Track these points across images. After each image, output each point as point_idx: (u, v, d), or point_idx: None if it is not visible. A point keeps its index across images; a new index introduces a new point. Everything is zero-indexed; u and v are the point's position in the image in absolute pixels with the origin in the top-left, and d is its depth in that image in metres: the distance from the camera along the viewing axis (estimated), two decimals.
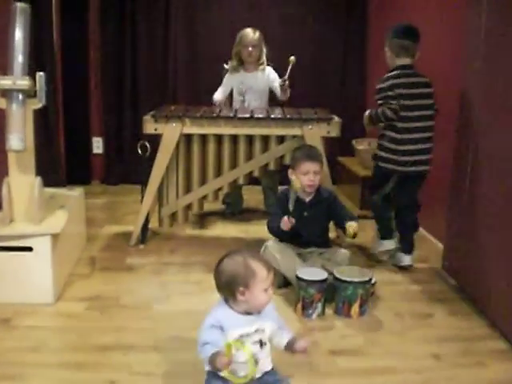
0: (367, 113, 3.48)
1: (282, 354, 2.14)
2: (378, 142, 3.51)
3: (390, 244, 3.62)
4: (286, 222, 3.04)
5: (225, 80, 4.36)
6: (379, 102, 3.36)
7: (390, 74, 3.34)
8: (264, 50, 4.27)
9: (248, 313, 1.99)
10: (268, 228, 3.26)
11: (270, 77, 4.28)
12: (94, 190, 5.29)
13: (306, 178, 3.17)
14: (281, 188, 3.57)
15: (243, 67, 4.29)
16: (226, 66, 4.32)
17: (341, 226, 3.26)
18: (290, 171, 3.26)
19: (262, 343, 2.00)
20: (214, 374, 1.93)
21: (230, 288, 1.96)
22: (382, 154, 3.43)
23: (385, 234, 3.64)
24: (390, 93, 3.28)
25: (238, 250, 2.06)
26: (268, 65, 4.31)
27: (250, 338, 1.97)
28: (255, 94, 4.30)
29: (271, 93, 4.34)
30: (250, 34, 4.19)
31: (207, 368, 1.96)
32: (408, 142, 3.32)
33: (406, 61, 3.33)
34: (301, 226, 3.17)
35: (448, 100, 3.61)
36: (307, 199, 3.24)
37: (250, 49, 4.20)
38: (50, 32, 4.68)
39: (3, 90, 2.75)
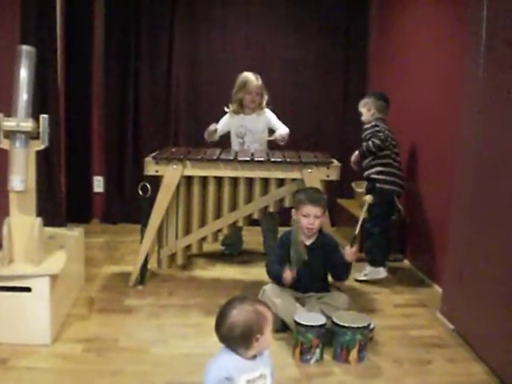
0: (356, 152, 4.10)
1: None
2: (374, 171, 4.06)
3: (384, 270, 4.06)
4: (288, 275, 3.08)
5: (223, 121, 4.38)
6: (368, 135, 4.02)
7: (373, 123, 4.06)
8: (265, 95, 4.32)
9: (253, 357, 1.99)
10: (267, 272, 3.27)
11: (268, 119, 4.34)
12: (93, 228, 5.30)
13: (306, 221, 3.18)
14: (282, 230, 3.58)
15: (243, 111, 4.35)
16: (227, 110, 4.36)
17: (333, 271, 3.28)
18: (293, 211, 3.29)
19: None
20: None
21: (246, 338, 1.94)
22: (386, 177, 4.02)
23: (383, 261, 4.07)
24: (376, 128, 4.00)
25: (238, 299, 2.04)
26: (267, 107, 4.37)
27: (255, 383, 1.97)
28: (254, 136, 4.35)
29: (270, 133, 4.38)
30: (254, 81, 4.25)
31: None
32: (399, 166, 4.12)
33: (383, 115, 4.13)
34: (300, 270, 3.18)
35: (448, 145, 3.66)
36: (307, 243, 3.25)
37: (254, 96, 4.26)
38: (54, 74, 4.73)
39: (7, 131, 2.79)
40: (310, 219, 3.17)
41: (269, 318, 1.99)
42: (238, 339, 1.95)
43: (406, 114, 4.62)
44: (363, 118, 4.17)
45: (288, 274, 3.08)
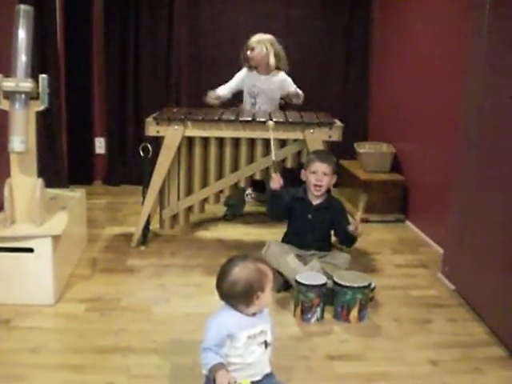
0: None
1: (281, 358, 2.15)
2: None
3: None
4: (277, 180, 3.14)
5: (238, 76, 4.32)
6: None
7: None
8: (272, 55, 4.19)
9: (253, 314, 2.02)
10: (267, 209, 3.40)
11: (282, 82, 4.27)
12: (95, 190, 5.31)
13: (314, 178, 3.20)
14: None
15: (257, 69, 4.29)
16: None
17: (340, 236, 3.29)
18: (302, 172, 3.31)
19: (266, 344, 2.04)
20: (214, 381, 1.94)
21: (247, 295, 1.97)
22: None
23: None
24: None
25: (239, 257, 2.06)
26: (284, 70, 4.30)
27: (256, 339, 2.00)
28: (267, 97, 4.30)
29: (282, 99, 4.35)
30: (253, 37, 4.19)
31: (205, 372, 1.97)
32: None
33: None
34: (303, 227, 3.21)
35: (448, 97, 3.63)
36: (314, 202, 3.26)
37: (249, 52, 4.20)
38: (54, 34, 4.68)
39: (6, 91, 2.77)
40: (317, 175, 3.19)
41: (269, 276, 2.02)
42: (239, 296, 1.97)
43: (408, 73, 4.58)
44: None
45: (278, 178, 3.15)
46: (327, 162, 3.23)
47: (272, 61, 4.23)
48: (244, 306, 1.99)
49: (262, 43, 4.18)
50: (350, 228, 3.12)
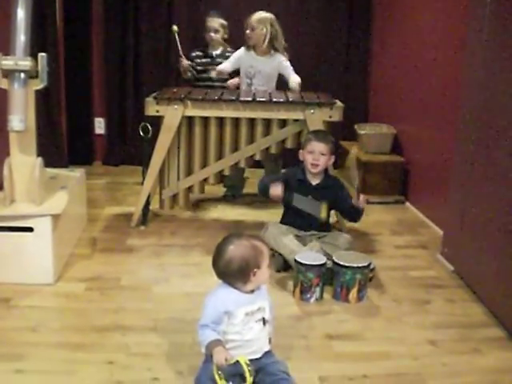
0: None
1: (280, 337, 2.15)
2: None
3: None
4: (277, 190, 3.12)
5: (236, 54, 4.27)
6: None
7: None
8: (267, 34, 4.10)
9: (251, 291, 2.04)
10: (258, 184, 3.33)
11: (278, 63, 4.20)
12: (95, 170, 5.30)
13: (311, 157, 3.19)
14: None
15: (254, 50, 4.23)
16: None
17: (344, 213, 3.28)
18: (300, 152, 3.30)
19: (264, 321, 2.06)
20: (211, 357, 1.95)
21: (243, 273, 2.00)
22: None
23: None
24: None
25: (235, 235, 2.08)
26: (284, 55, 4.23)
27: (253, 316, 2.02)
28: (263, 78, 4.24)
29: (280, 79, 4.31)
30: (252, 15, 4.10)
31: (203, 350, 1.98)
32: None
33: None
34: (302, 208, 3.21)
35: (449, 87, 3.62)
36: (313, 183, 3.25)
37: (248, 31, 4.14)
38: (53, 12, 4.65)
39: (5, 70, 2.75)
40: (314, 155, 3.19)
41: (265, 253, 2.04)
42: (235, 273, 2.00)
43: (408, 53, 4.55)
44: None
45: (277, 189, 3.12)
46: (325, 142, 3.22)
47: (267, 41, 4.15)
48: (241, 283, 2.01)
49: (262, 23, 4.10)
50: (353, 201, 3.12)
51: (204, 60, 4.56)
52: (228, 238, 2.07)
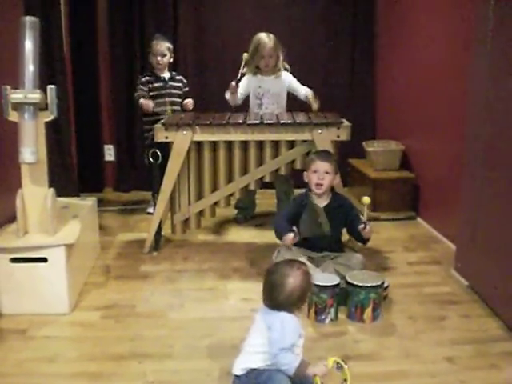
0: None
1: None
2: None
3: None
4: (289, 239, 3.07)
5: (243, 83, 4.26)
6: None
7: None
8: (280, 55, 4.20)
9: None
10: (273, 223, 3.30)
11: (286, 81, 4.26)
12: (106, 197, 5.34)
13: (316, 177, 3.19)
14: (297, 193, 3.56)
15: (260, 72, 4.27)
16: (242, 71, 4.24)
17: (353, 234, 3.27)
18: (304, 174, 3.29)
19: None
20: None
21: (302, 300, 2.13)
22: None
23: None
24: None
25: (286, 265, 2.16)
26: (285, 69, 4.28)
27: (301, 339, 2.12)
28: (272, 97, 4.28)
29: (290, 97, 4.34)
30: (267, 43, 4.11)
31: (292, 372, 2.04)
32: None
33: None
34: (314, 231, 3.20)
35: (457, 101, 3.63)
36: (321, 205, 3.25)
37: (268, 59, 4.17)
38: (60, 44, 4.70)
39: (15, 103, 2.79)
40: (319, 174, 3.18)
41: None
42: (296, 303, 2.10)
43: (415, 70, 4.57)
44: None
45: (289, 238, 3.07)
46: (328, 161, 3.21)
47: (280, 63, 4.23)
48: (297, 310, 2.13)
49: (277, 48, 4.17)
50: (361, 227, 3.10)
51: (156, 84, 4.53)
52: (280, 269, 2.13)
